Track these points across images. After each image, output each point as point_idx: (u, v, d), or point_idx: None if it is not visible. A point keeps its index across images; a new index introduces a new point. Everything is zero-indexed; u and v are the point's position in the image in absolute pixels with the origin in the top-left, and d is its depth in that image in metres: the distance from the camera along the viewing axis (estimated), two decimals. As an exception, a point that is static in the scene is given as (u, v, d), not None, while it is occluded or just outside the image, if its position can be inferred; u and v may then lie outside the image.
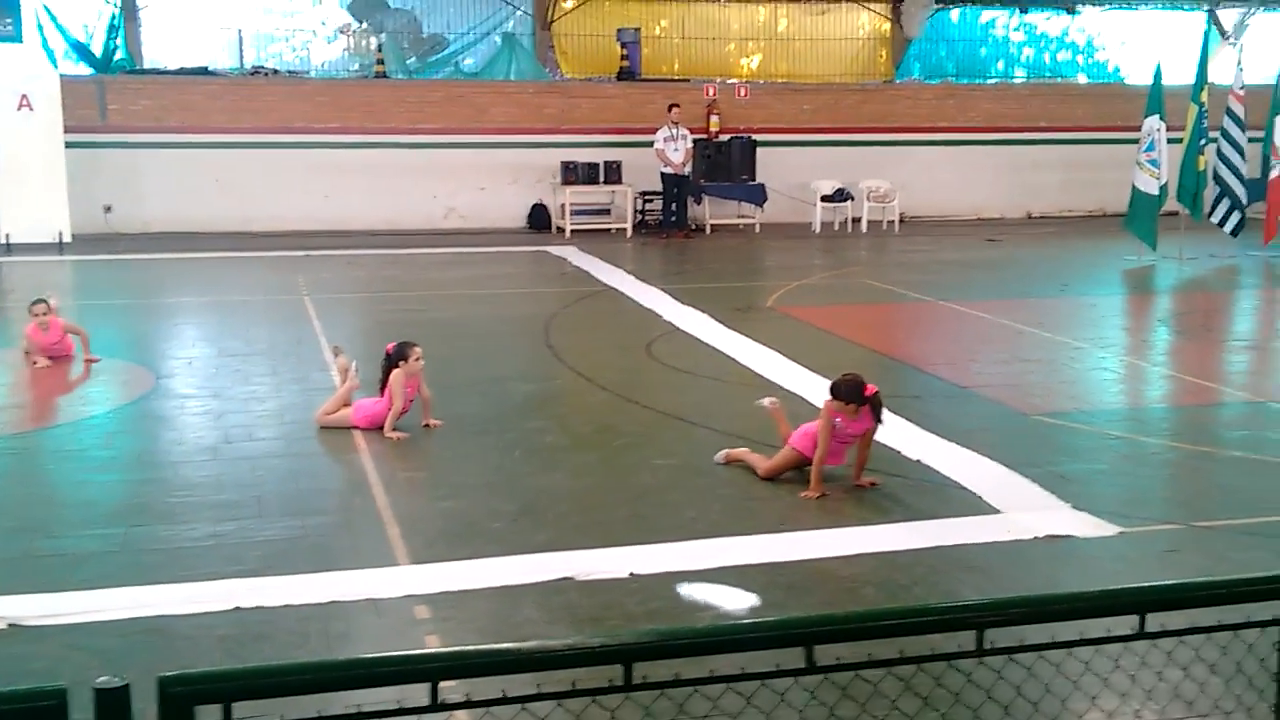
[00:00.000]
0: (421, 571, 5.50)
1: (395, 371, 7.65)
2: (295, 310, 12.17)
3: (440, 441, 7.66)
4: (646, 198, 19.65)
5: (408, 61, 21.65)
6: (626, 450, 7.52)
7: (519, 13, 22.16)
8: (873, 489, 6.65)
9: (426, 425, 7.82)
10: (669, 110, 18.67)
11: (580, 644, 2.30)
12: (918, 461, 7.13)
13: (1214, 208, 16.67)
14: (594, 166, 19.13)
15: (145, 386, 9.01)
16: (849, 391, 6.57)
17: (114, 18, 20.19)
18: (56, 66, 18.92)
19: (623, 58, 21.14)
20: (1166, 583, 2.74)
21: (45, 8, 19.80)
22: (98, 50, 20.17)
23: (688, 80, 21.52)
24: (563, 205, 19.20)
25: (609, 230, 19.30)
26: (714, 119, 20.00)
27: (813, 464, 6.60)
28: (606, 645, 2.24)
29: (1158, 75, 15.96)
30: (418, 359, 7.72)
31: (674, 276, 15.04)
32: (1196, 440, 7.81)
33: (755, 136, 19.89)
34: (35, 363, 9.45)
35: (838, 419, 6.61)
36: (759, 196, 19.58)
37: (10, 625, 4.84)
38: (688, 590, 5.33)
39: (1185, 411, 8.74)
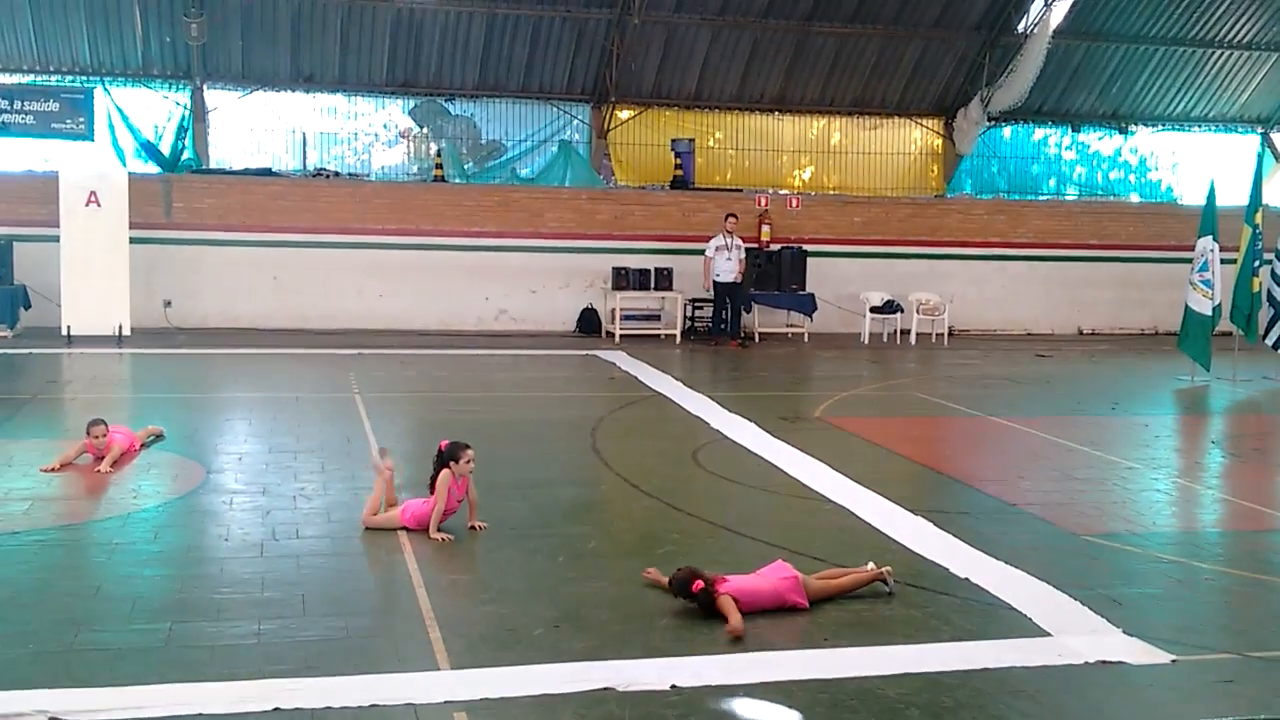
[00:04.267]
0: (462, 677, 5.46)
1: (444, 471, 7.69)
2: (346, 408, 12.29)
3: (484, 544, 7.65)
4: (697, 305, 19.79)
5: (465, 166, 22.13)
6: (670, 559, 7.46)
7: (576, 121, 22.64)
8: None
9: (472, 527, 7.83)
10: (725, 220, 18.83)
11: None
12: (966, 580, 7.04)
13: (1268, 330, 16.54)
14: (645, 272, 19.34)
15: (195, 481, 9.10)
16: (676, 585, 6.42)
17: (183, 119, 20.90)
18: (125, 165, 19.51)
19: (676, 167, 21.47)
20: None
21: (117, 108, 20.55)
22: (166, 150, 20.84)
23: (740, 190, 21.78)
24: (613, 310, 19.38)
25: (658, 336, 19.43)
26: (765, 229, 20.19)
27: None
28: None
29: (1211, 196, 15.98)
30: (469, 461, 7.75)
31: (722, 384, 15.06)
32: (1251, 567, 7.66)
33: (806, 246, 20.05)
34: (99, 470, 9.21)
35: None
36: (808, 306, 19.66)
37: (51, 719, 4.86)
38: (730, 705, 5.26)
39: (1239, 536, 8.58)
